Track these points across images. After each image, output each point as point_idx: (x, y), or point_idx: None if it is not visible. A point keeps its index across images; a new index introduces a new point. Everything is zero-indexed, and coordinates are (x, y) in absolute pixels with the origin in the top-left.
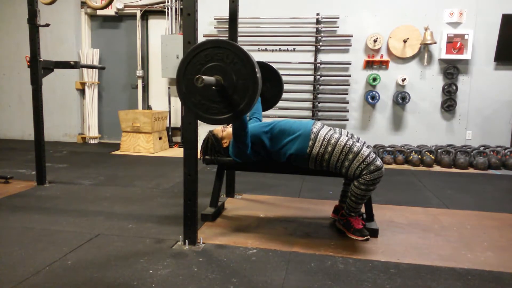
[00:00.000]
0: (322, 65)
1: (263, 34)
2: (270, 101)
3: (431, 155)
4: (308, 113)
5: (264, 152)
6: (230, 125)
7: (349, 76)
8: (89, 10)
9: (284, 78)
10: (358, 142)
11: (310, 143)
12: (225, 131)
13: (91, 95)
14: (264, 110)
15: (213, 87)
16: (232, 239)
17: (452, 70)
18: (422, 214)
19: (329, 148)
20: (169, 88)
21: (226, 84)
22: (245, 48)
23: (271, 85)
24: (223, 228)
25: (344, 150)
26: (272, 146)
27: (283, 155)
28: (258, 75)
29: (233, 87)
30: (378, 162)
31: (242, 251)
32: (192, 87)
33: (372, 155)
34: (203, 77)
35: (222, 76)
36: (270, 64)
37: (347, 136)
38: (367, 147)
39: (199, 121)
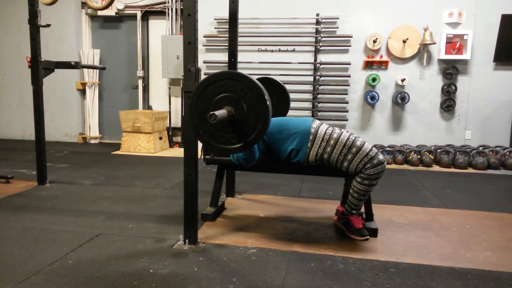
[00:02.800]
0: (322, 66)
1: (263, 35)
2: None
3: (430, 155)
4: (308, 113)
5: (265, 150)
6: None
7: (349, 76)
8: (89, 11)
9: (284, 78)
10: (359, 139)
11: (311, 137)
12: None
13: (92, 95)
14: None
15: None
16: (232, 239)
17: (452, 70)
18: (421, 214)
19: (331, 142)
20: (169, 88)
21: (237, 116)
22: (245, 48)
23: (278, 101)
24: (223, 228)
25: (347, 144)
26: (272, 143)
27: (283, 151)
28: (269, 111)
29: (244, 119)
30: (380, 156)
31: (242, 250)
32: (203, 114)
33: (374, 149)
34: (216, 113)
35: (234, 108)
36: (278, 80)
37: (347, 132)
38: (369, 144)
39: None
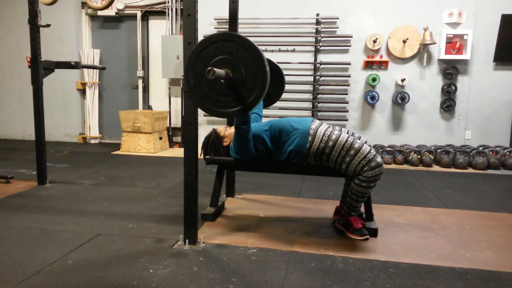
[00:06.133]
0: (322, 66)
1: (263, 35)
2: (272, 97)
3: (430, 155)
4: (308, 113)
5: (264, 149)
6: (232, 126)
7: (349, 76)
8: (89, 11)
9: None
10: (359, 140)
11: (310, 138)
12: (227, 130)
13: (92, 95)
14: (265, 106)
15: (222, 80)
16: (232, 239)
17: (452, 70)
18: (421, 214)
19: (330, 144)
20: (169, 88)
21: (235, 78)
22: None
23: (272, 80)
24: (223, 228)
25: (346, 146)
26: (272, 145)
27: (283, 152)
28: (267, 69)
29: (242, 81)
30: (379, 159)
31: (242, 250)
32: (200, 79)
33: (373, 152)
34: (215, 69)
35: (231, 70)
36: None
37: (347, 133)
38: (368, 145)
39: (199, 122)
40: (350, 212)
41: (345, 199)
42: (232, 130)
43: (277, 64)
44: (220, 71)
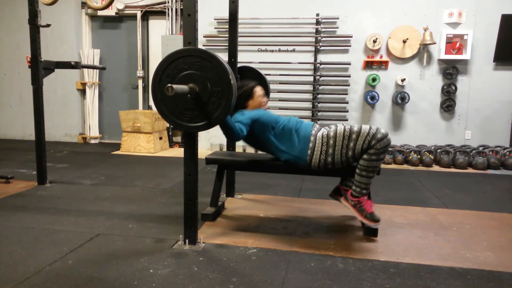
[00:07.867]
0: (322, 66)
1: (263, 35)
2: None
3: (430, 155)
4: (308, 113)
5: (272, 132)
6: (266, 98)
7: (349, 76)
8: (89, 11)
9: (284, 78)
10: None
11: (311, 145)
12: (263, 98)
13: (92, 95)
14: None
15: (188, 95)
16: (232, 239)
17: (452, 70)
18: (421, 214)
19: (331, 141)
20: None
21: (200, 92)
22: (245, 48)
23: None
24: (223, 228)
25: (346, 134)
26: (274, 143)
27: (284, 153)
28: (233, 87)
29: (208, 95)
30: (383, 130)
31: (242, 250)
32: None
33: (374, 127)
34: (174, 86)
35: (197, 84)
36: (253, 66)
37: (343, 125)
38: (367, 125)
39: None
40: (362, 190)
41: (345, 180)
42: (257, 101)
43: (259, 71)
44: (181, 87)
